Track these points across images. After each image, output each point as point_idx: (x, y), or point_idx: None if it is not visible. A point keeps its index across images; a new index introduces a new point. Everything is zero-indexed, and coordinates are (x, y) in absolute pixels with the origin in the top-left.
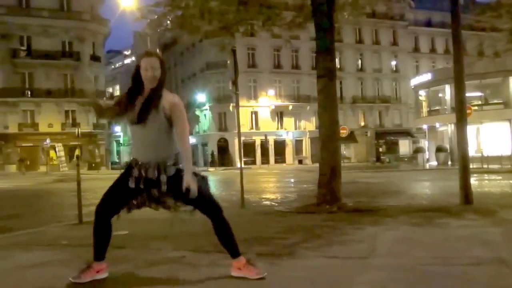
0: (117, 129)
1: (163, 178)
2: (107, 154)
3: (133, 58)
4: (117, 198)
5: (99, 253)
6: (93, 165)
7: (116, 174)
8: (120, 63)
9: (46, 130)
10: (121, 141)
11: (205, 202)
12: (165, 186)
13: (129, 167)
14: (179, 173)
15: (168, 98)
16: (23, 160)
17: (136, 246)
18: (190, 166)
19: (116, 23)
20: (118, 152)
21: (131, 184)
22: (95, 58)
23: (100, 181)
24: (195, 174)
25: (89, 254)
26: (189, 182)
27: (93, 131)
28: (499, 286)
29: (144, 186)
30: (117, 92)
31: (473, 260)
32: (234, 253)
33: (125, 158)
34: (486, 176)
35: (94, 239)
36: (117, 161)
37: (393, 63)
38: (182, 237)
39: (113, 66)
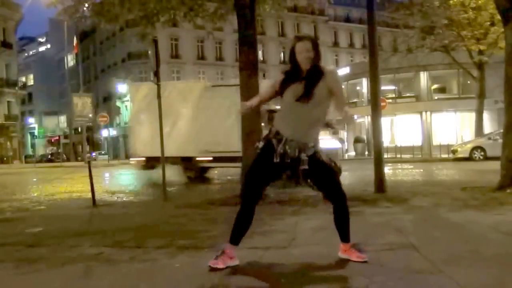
0: (31, 120)
1: (304, 157)
2: (21, 147)
3: (48, 46)
4: (262, 178)
5: (237, 238)
6: (5, 158)
7: (30, 168)
8: (34, 50)
9: None
10: (36, 134)
11: (336, 185)
12: (306, 165)
13: (269, 142)
14: (315, 155)
15: (326, 69)
16: None
17: (51, 243)
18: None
19: (30, 8)
20: (33, 145)
21: (276, 159)
22: (6, 45)
23: (12, 176)
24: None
25: None
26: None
27: (4, 122)
28: (410, 270)
29: (289, 162)
30: (31, 81)
31: (386, 246)
32: (345, 238)
33: (41, 151)
34: (399, 165)
35: (236, 224)
36: (32, 154)
37: None
38: (101, 233)
39: (26, 54)
